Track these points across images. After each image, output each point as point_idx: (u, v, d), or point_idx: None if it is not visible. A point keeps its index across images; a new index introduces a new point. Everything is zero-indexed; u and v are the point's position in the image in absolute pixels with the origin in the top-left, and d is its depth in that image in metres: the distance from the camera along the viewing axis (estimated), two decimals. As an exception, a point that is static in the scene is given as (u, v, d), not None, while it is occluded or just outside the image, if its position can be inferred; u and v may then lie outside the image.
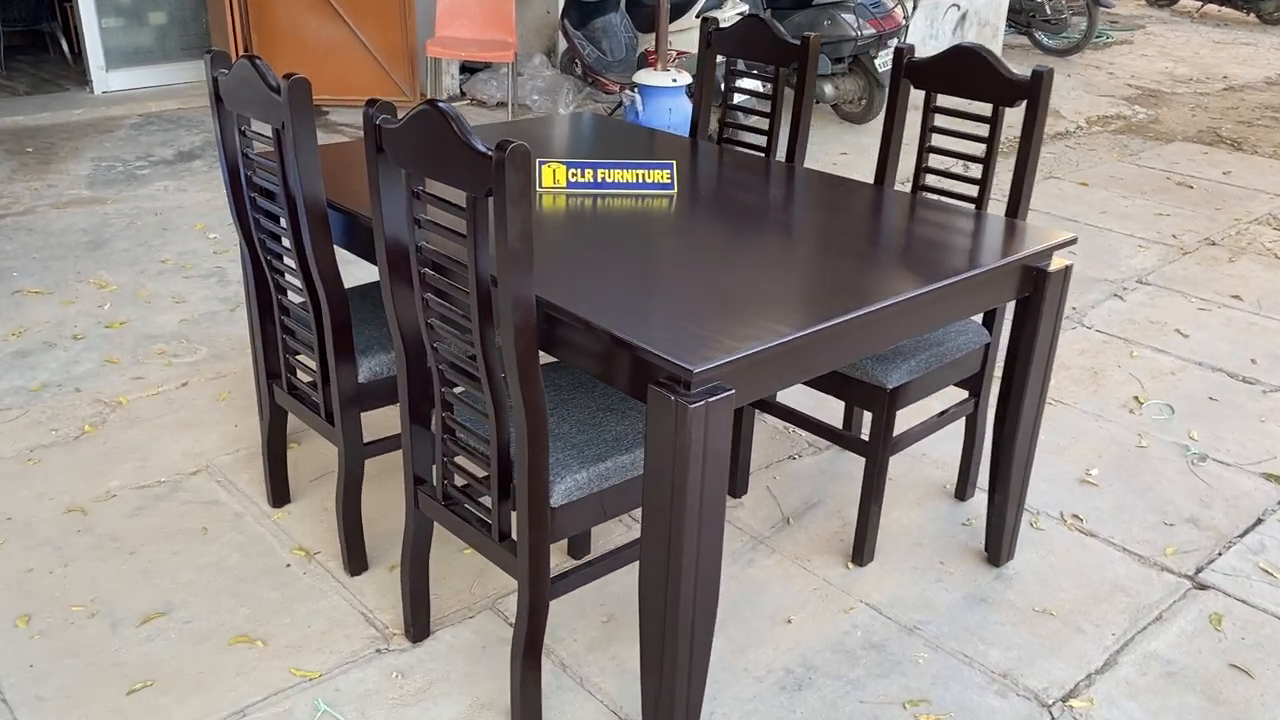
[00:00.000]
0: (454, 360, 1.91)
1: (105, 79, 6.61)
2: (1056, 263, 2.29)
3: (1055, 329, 2.36)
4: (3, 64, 7.38)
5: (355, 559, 2.46)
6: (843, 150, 6.35)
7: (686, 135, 3.18)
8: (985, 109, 2.58)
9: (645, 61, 5.95)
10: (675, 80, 5.33)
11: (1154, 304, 4.25)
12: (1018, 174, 2.54)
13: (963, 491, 2.85)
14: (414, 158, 1.78)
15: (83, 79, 6.82)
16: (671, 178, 2.54)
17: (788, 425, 3.20)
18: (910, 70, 2.68)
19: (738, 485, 2.84)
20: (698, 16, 5.79)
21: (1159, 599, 2.50)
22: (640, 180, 2.53)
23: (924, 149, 2.73)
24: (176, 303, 3.92)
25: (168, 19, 6.85)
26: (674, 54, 5.85)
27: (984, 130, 2.61)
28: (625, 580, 2.46)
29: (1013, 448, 2.45)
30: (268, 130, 2.17)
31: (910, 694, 2.18)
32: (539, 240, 2.16)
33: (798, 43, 2.92)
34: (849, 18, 6.41)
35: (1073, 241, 2.30)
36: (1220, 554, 2.68)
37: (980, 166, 2.63)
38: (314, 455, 2.95)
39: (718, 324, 1.79)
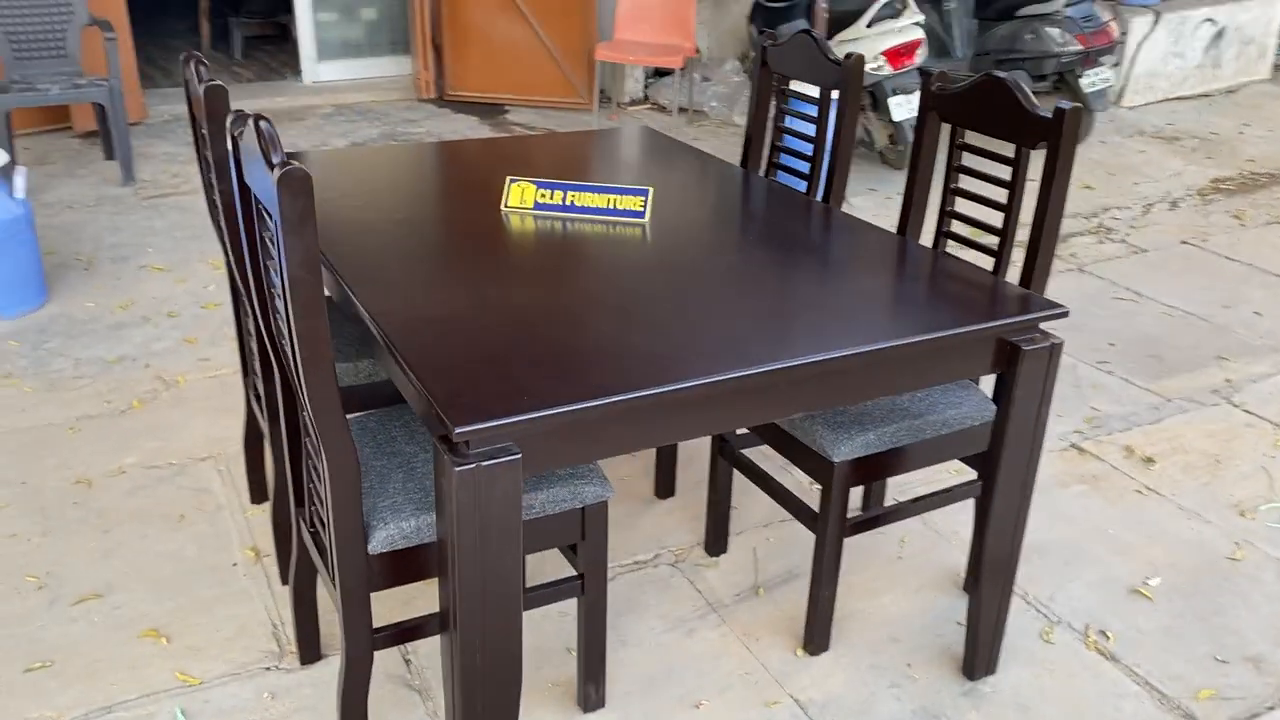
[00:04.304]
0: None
1: (315, 69, 7.05)
2: (1043, 339, 1.92)
3: (1039, 415, 1.98)
4: (241, 52, 8.05)
5: (287, 567, 2.44)
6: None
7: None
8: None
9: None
10: (825, 93, 5.01)
11: (1334, 385, 3.57)
12: (1034, 234, 2.16)
13: (968, 583, 2.48)
14: (248, 172, 1.71)
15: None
16: (644, 206, 2.34)
17: (806, 481, 2.91)
18: (937, 101, 2.34)
19: (715, 543, 2.60)
20: (869, 25, 5.43)
21: (1159, 754, 2.06)
22: (610, 206, 2.36)
23: (948, 190, 2.38)
24: (277, 289, 4.09)
25: (378, 15, 7.22)
26: (842, 65, 5.51)
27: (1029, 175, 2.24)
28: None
29: (984, 545, 2.09)
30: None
31: (791, 817, 1.90)
32: (446, 260, 2.05)
33: (839, 62, 2.63)
34: (1054, 31, 5.83)
35: (1058, 315, 1.92)
36: (1272, 709, 2.18)
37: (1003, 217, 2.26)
38: (316, 455, 2.98)
39: (539, 377, 1.60)
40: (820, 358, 1.71)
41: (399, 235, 2.22)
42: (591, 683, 2.08)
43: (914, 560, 2.61)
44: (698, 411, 1.68)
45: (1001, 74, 2.18)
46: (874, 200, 5.40)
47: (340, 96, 6.81)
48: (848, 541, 2.62)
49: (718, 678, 2.22)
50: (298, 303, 1.55)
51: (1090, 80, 5.91)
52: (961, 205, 2.40)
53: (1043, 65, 5.91)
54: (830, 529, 2.16)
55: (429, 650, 2.25)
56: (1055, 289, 4.30)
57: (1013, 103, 2.14)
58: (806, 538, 2.66)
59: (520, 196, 2.39)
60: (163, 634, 2.29)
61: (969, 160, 2.35)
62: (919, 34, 5.40)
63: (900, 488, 2.83)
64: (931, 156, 2.40)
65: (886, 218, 5.14)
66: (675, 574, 2.54)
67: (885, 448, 2.13)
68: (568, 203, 2.37)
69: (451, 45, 6.69)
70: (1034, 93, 6.01)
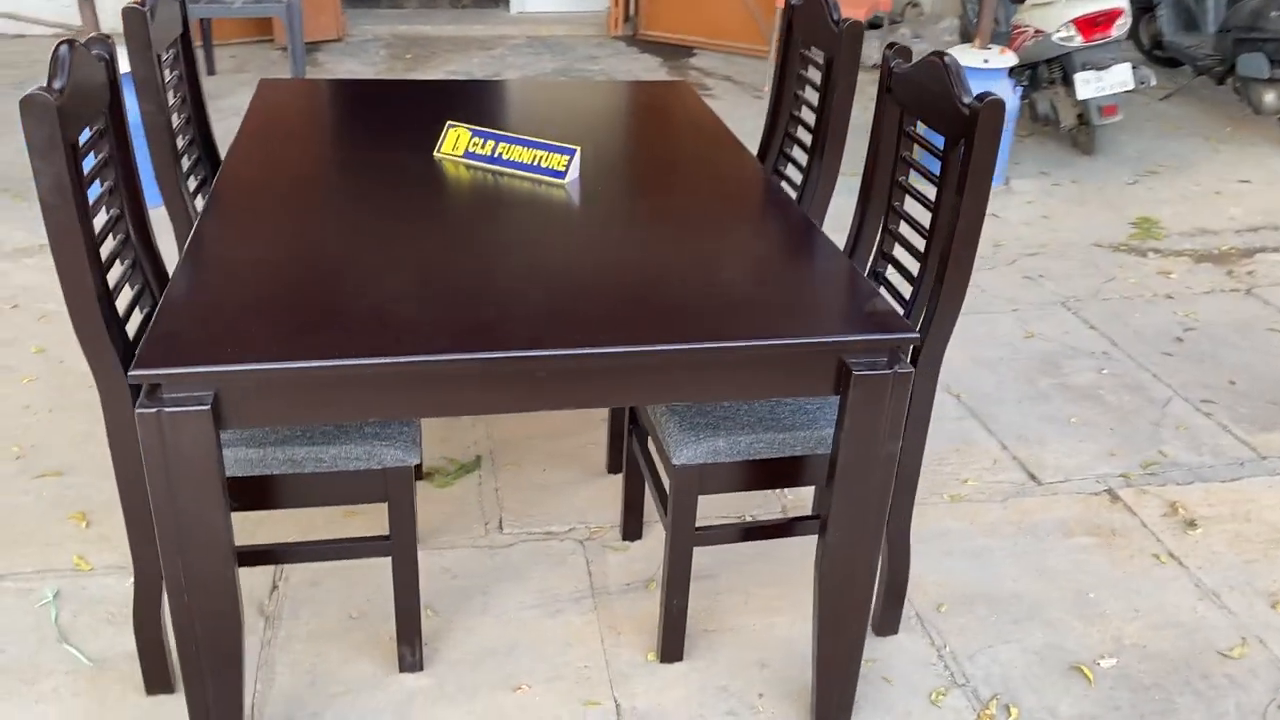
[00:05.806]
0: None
1: (523, 0, 7.18)
2: (886, 365, 1.67)
3: (877, 451, 1.72)
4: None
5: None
6: (1244, 178, 5.02)
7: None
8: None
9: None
10: (987, 61, 4.55)
11: None
12: (944, 249, 1.85)
13: (879, 623, 2.23)
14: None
15: (524, -1, 7.44)
16: (567, 166, 2.22)
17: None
18: (892, 81, 2.05)
19: (630, 528, 2.48)
20: (1061, -11, 4.86)
21: None
22: (535, 163, 2.25)
23: (894, 185, 2.09)
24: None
25: (590, -52, 7.22)
26: (1029, 32, 4.99)
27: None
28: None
29: (820, 587, 1.87)
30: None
31: (535, 825, 1.80)
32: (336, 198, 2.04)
33: (838, 24, 2.36)
34: (1303, 10, 4.98)
35: (903, 339, 1.66)
36: (1161, 840, 1.83)
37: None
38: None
39: (277, 330, 1.57)
40: (581, 352, 1.57)
41: (309, 173, 2.23)
42: (406, 645, 2.05)
43: (841, 585, 2.37)
44: (433, 388, 1.59)
45: (946, 53, 1.88)
46: (1039, 185, 4.87)
47: (537, 28, 6.91)
48: (771, 551, 2.45)
49: (554, 665, 2.13)
50: (49, 230, 1.59)
51: (1345, 70, 5.02)
52: (911, 206, 2.11)
53: (1287, 49, 5.08)
54: (674, 536, 2.00)
55: (300, 579, 2.29)
56: (1198, 309, 3.73)
57: (944, 87, 1.84)
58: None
59: (454, 143, 2.33)
60: (87, 518, 2.47)
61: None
62: (1119, 2, 4.77)
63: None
64: (891, 147, 2.11)
65: (1044, 205, 4.64)
66: (577, 551, 2.45)
67: (738, 458, 1.93)
68: (496, 154, 2.29)
69: (649, -17, 6.62)
70: (1270, 78, 5.20)
